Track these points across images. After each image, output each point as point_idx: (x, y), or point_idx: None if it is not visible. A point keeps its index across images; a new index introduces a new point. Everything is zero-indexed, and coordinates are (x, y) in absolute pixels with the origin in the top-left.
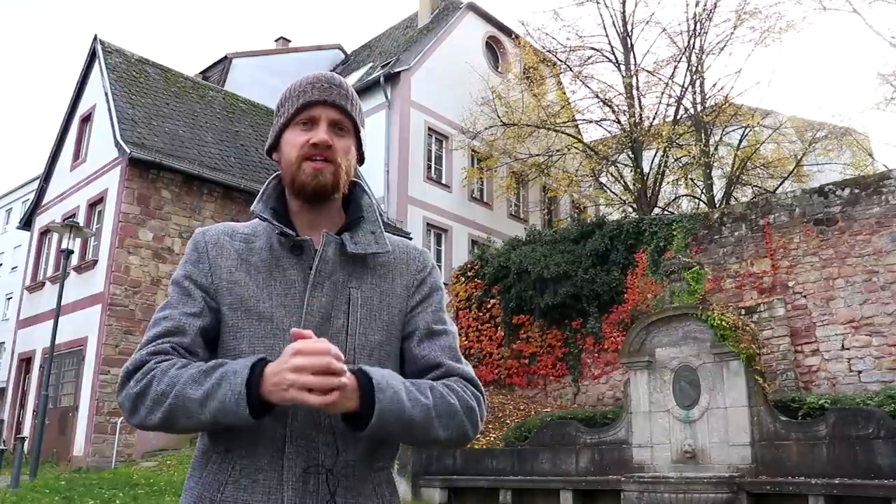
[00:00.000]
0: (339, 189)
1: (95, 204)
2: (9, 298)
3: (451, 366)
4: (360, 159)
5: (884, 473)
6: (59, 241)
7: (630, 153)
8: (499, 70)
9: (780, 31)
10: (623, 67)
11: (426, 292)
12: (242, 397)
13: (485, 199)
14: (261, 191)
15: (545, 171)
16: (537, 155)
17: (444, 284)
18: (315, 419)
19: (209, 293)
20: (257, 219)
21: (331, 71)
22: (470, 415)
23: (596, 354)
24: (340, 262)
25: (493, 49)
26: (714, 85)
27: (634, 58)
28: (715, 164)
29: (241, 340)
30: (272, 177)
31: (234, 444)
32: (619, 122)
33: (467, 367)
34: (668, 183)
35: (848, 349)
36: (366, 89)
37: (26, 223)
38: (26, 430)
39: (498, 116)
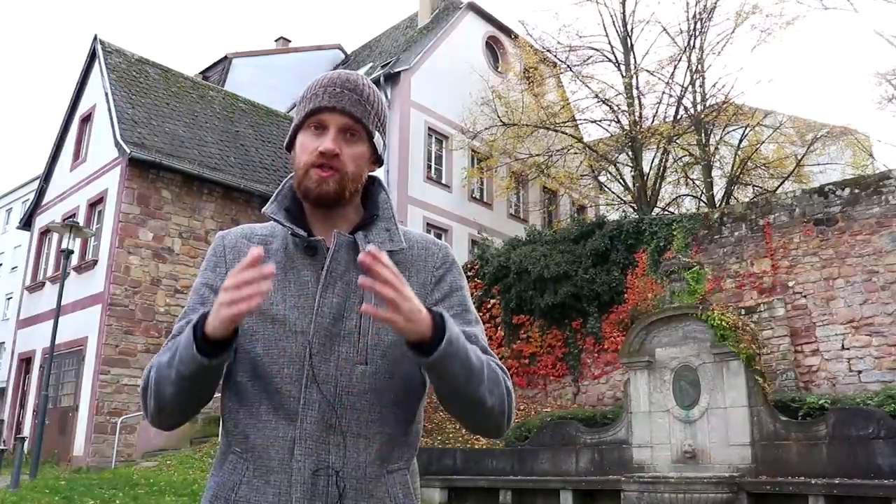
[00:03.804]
0: (344, 197)
1: (95, 204)
2: (9, 298)
3: (487, 361)
4: (379, 162)
5: (884, 473)
6: (59, 241)
7: (630, 153)
8: (499, 70)
9: (781, 28)
10: (623, 67)
11: (446, 291)
12: (191, 339)
13: (485, 199)
14: (276, 191)
15: (545, 170)
16: (537, 155)
17: None
18: (326, 420)
19: None
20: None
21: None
22: (508, 398)
23: (596, 354)
24: (353, 261)
25: (493, 49)
26: (714, 85)
27: (634, 58)
28: (715, 164)
29: (255, 343)
30: (289, 177)
31: (248, 445)
32: (618, 121)
33: (500, 363)
34: (669, 183)
35: (848, 349)
36: None
37: (26, 223)
38: (26, 430)
39: (498, 116)
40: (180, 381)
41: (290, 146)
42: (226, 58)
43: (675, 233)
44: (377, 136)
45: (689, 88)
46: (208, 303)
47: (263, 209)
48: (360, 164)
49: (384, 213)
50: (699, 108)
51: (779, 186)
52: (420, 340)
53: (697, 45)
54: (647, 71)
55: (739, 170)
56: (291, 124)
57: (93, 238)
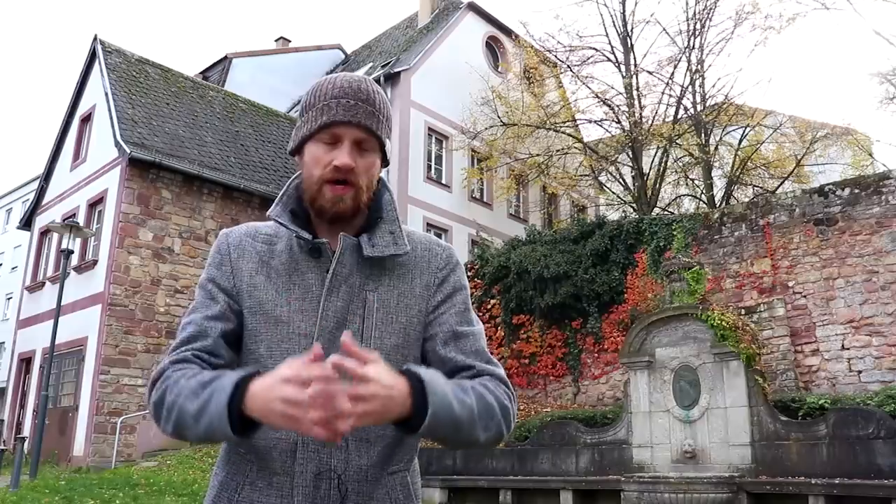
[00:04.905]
0: (359, 209)
1: (95, 204)
2: (9, 298)
3: (482, 367)
4: (385, 163)
5: (884, 473)
6: (59, 241)
7: (630, 153)
8: (499, 70)
9: (781, 27)
10: (623, 67)
11: (448, 291)
12: (225, 417)
13: (485, 199)
14: (281, 192)
15: (545, 171)
16: (537, 155)
17: None
18: None
19: (232, 296)
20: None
21: (333, 71)
22: (505, 414)
23: (596, 354)
24: (358, 264)
25: (493, 49)
26: (714, 85)
27: (634, 58)
28: (715, 164)
29: (259, 344)
30: (293, 177)
31: (252, 446)
32: (619, 122)
33: (498, 369)
34: (668, 183)
35: (848, 349)
36: None
37: (26, 223)
38: (26, 430)
39: (498, 116)
40: (207, 439)
41: (296, 152)
42: (226, 58)
43: (675, 233)
44: (387, 144)
45: (689, 88)
46: (217, 299)
47: (268, 212)
48: (373, 174)
49: (388, 215)
50: (699, 108)
51: (779, 186)
52: (402, 418)
53: (697, 45)
54: (646, 71)
55: (739, 170)
56: (295, 128)
57: (93, 238)
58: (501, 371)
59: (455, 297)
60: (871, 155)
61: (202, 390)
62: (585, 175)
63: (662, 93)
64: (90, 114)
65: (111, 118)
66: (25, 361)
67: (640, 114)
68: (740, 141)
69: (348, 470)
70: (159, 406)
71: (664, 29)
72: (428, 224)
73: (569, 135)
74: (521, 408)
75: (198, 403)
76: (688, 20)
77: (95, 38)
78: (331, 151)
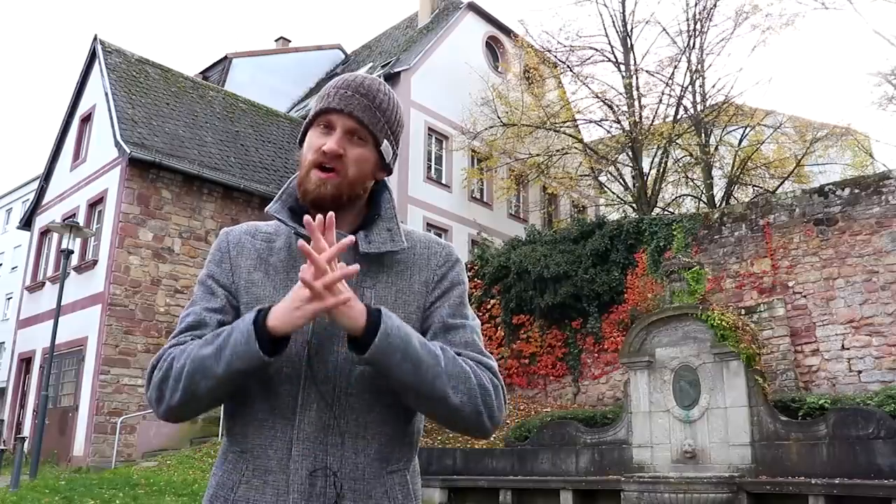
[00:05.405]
0: (341, 200)
1: (95, 204)
2: (9, 298)
3: (470, 355)
4: (388, 170)
5: (884, 473)
6: (59, 241)
7: (630, 153)
8: (499, 70)
9: (781, 28)
10: (623, 67)
11: (446, 287)
12: (252, 335)
13: (485, 199)
14: (281, 189)
15: (545, 171)
16: (537, 155)
17: None
18: (324, 421)
19: (230, 292)
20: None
21: (334, 70)
22: (484, 393)
23: (596, 354)
24: (354, 261)
25: (493, 49)
26: (714, 85)
27: (634, 58)
28: (715, 164)
29: None
30: (293, 176)
31: (248, 444)
32: (619, 122)
33: (489, 360)
34: (669, 183)
35: (848, 349)
36: None
37: (26, 223)
38: (26, 430)
39: (498, 117)
40: (229, 376)
41: (302, 142)
42: (226, 58)
43: (675, 233)
44: (385, 145)
45: (689, 88)
46: (217, 295)
47: (267, 208)
48: (364, 167)
49: (386, 213)
50: (699, 108)
51: (779, 186)
52: (356, 335)
53: (697, 45)
54: (646, 71)
55: (739, 170)
56: (304, 122)
57: (93, 238)
58: (492, 362)
59: (451, 293)
60: (871, 155)
61: (216, 337)
62: (585, 175)
63: (662, 93)
64: (90, 114)
65: (111, 118)
66: (25, 361)
67: (640, 114)
68: (740, 141)
69: (343, 468)
70: (164, 381)
71: (664, 29)
72: (428, 224)
73: (569, 135)
74: (521, 408)
75: (216, 345)
76: (688, 20)
77: (95, 38)
78: (324, 138)
